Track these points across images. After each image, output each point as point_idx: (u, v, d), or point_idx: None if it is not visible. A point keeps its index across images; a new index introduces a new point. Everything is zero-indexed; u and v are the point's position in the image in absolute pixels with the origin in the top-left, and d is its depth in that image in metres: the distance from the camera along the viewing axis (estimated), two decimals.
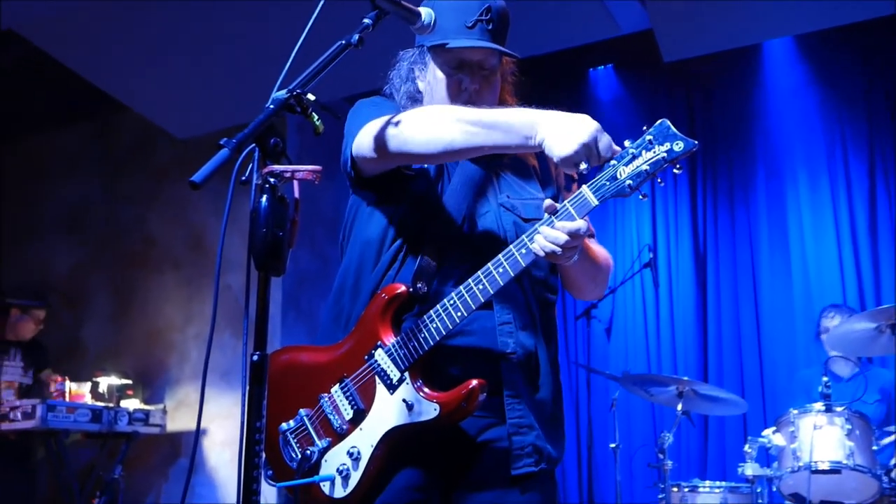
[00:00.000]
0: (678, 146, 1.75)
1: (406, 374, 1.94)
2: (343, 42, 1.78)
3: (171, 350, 6.93)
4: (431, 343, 1.92)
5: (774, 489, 4.56)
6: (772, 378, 6.13)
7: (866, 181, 6.15)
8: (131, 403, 6.21)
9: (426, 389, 1.93)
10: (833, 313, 5.36)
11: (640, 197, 1.78)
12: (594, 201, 1.81)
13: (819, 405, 4.46)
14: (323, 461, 1.98)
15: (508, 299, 2.04)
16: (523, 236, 1.87)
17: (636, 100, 6.87)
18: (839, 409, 4.41)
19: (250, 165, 1.56)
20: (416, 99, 2.18)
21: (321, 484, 1.97)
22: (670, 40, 5.56)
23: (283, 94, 1.65)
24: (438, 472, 2.00)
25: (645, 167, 1.76)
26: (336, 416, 1.99)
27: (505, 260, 1.88)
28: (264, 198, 1.57)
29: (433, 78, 2.15)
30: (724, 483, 4.70)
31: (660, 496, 4.70)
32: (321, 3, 1.79)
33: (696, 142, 1.74)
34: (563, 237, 1.81)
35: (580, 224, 1.82)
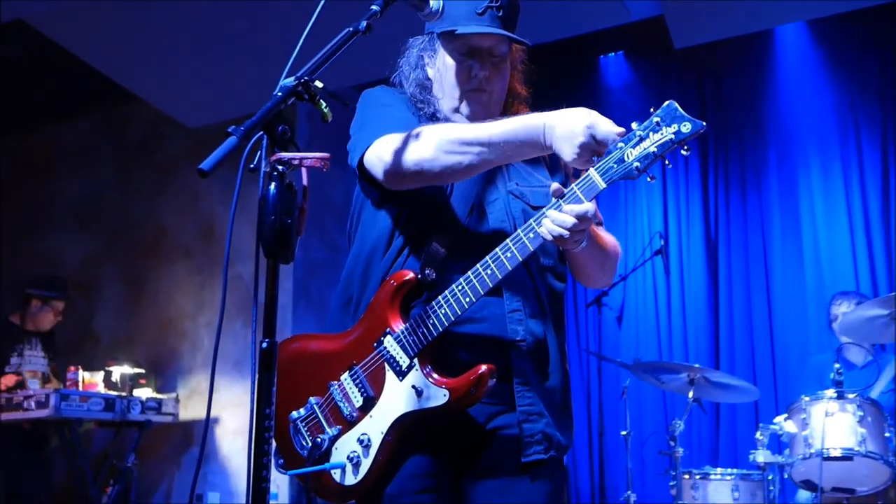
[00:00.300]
0: (686, 127, 1.73)
1: (415, 360, 1.93)
2: (351, 29, 1.77)
3: (183, 339, 6.96)
4: (440, 329, 1.92)
5: (786, 476, 4.56)
6: (783, 365, 6.11)
7: (879, 167, 6.10)
8: (144, 392, 6.25)
9: (435, 375, 1.93)
10: (841, 300, 5.33)
11: (649, 179, 1.78)
12: (602, 184, 1.80)
13: (831, 392, 4.44)
14: (333, 449, 1.98)
15: (518, 287, 2.04)
16: (531, 220, 1.87)
17: (647, 87, 6.82)
18: (851, 395, 4.40)
19: (259, 153, 1.56)
20: (425, 87, 2.17)
21: (332, 471, 1.98)
22: (681, 27, 5.53)
23: (290, 81, 1.65)
24: (448, 459, 2.00)
25: (653, 149, 1.75)
26: (346, 404, 1.99)
27: (513, 244, 1.88)
28: (272, 185, 1.56)
29: (443, 65, 2.14)
30: (735, 470, 4.70)
31: (671, 483, 4.70)
32: None
33: (704, 123, 1.73)
34: (571, 220, 1.80)
35: (588, 207, 1.81)
